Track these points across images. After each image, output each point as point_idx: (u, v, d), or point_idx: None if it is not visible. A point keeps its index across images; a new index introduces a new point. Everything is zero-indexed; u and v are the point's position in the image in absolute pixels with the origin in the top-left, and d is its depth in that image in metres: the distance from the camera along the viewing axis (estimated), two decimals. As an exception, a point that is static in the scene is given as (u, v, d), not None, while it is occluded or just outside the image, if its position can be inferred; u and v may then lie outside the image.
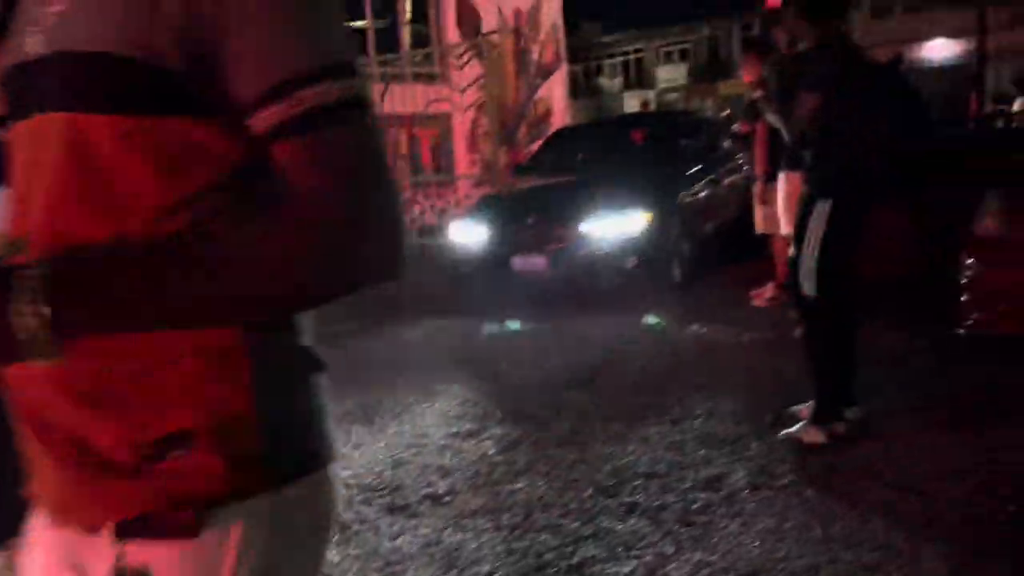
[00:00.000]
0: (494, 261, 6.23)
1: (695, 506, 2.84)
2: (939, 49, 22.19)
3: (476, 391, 4.35)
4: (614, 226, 5.95)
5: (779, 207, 5.17)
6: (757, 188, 5.71)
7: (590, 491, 3.01)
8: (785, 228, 4.88)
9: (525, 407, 3.98)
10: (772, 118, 3.47)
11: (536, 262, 6.04)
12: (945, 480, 2.86)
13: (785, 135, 3.48)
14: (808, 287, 3.24)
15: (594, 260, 5.96)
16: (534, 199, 6.73)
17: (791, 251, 3.37)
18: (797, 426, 3.35)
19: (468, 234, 6.50)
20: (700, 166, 7.20)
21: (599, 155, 7.51)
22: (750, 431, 3.45)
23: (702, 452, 3.29)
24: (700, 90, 35.94)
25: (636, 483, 3.06)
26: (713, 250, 7.15)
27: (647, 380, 4.29)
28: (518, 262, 6.09)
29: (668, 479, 3.07)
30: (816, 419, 3.29)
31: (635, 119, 8.75)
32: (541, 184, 7.03)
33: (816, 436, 3.25)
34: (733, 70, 36.58)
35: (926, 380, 3.91)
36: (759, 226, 5.75)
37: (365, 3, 11.25)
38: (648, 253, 6.00)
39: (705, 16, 36.32)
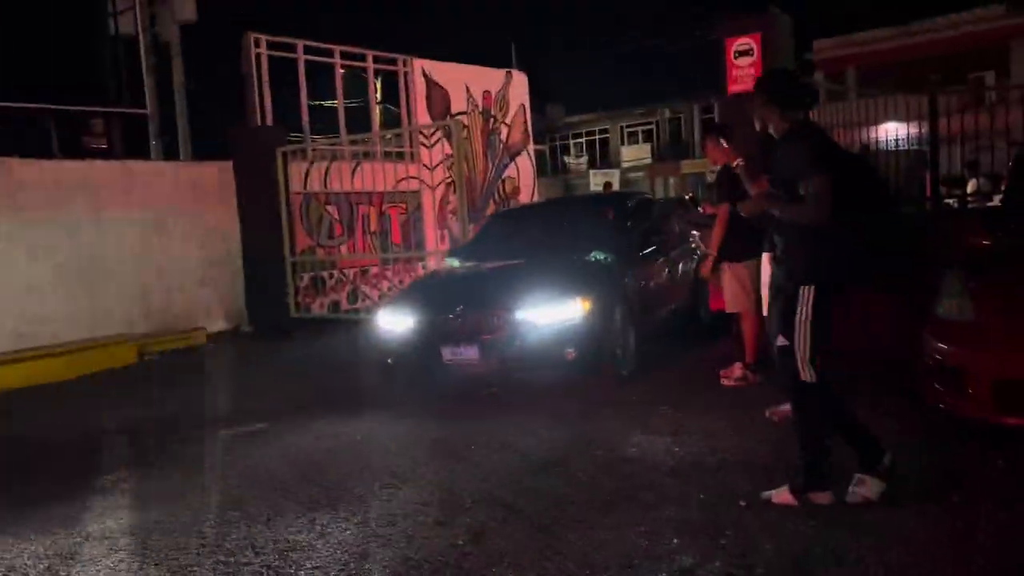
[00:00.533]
0: (423, 351, 5.71)
1: (671, 598, 2.75)
2: (892, 132, 23.04)
3: (442, 477, 4.24)
4: (550, 313, 5.52)
5: (764, 289, 5.18)
6: (723, 268, 5.76)
7: (562, 583, 2.91)
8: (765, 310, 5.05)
9: (493, 492, 3.88)
10: (773, 202, 3.47)
11: (467, 353, 5.53)
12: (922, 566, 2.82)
13: (792, 218, 3.41)
14: (808, 374, 3.31)
15: (529, 351, 5.48)
16: (467, 284, 6.37)
17: (780, 340, 3.41)
18: (775, 491, 3.46)
19: (395, 321, 5.98)
20: (651, 247, 6.92)
21: (540, 238, 7.13)
22: (726, 517, 3.39)
23: (676, 541, 3.21)
24: (663, 168, 36.79)
25: (609, 574, 2.97)
26: (665, 335, 6.95)
27: (613, 466, 4.17)
28: (448, 353, 5.57)
29: (642, 569, 2.99)
30: (805, 487, 3.38)
31: (582, 200, 8.60)
32: (475, 268, 6.69)
33: (823, 498, 3.35)
34: (694, 150, 37.61)
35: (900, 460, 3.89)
36: (729, 306, 5.79)
37: (337, 84, 11.40)
38: (586, 343, 5.53)
39: (665, 99, 37.40)
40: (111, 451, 5.22)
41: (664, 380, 5.93)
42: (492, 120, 13.56)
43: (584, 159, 40.43)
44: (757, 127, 3.55)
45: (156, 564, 3.36)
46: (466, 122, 12.70)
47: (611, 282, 6.00)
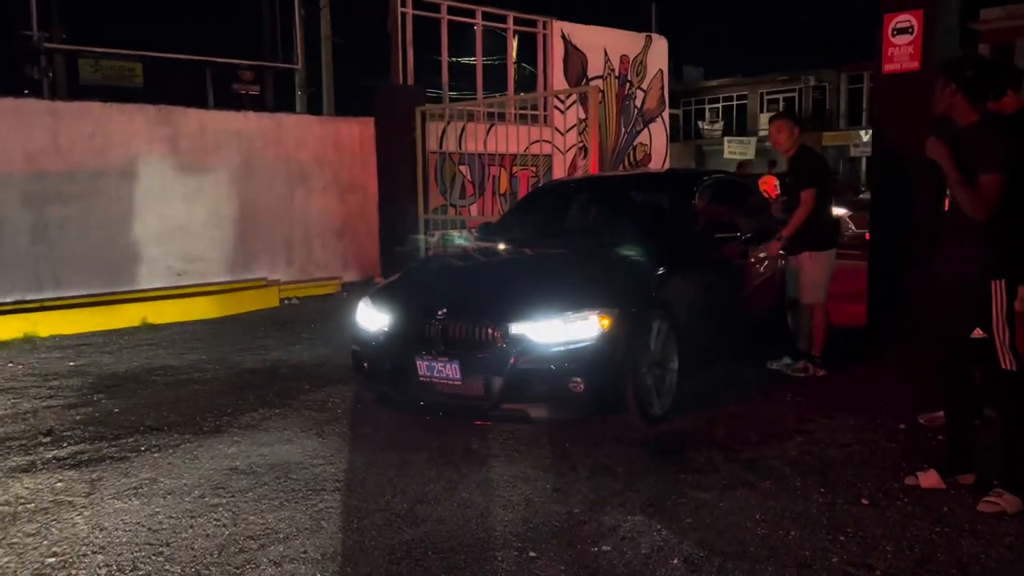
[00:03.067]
0: (396, 361, 4.50)
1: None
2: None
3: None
4: (554, 330, 4.21)
5: (823, 278, 5.52)
6: (799, 257, 5.61)
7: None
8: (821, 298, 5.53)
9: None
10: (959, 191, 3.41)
11: (446, 371, 4.28)
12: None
13: (959, 199, 3.37)
14: (1010, 361, 3.34)
15: (522, 377, 4.18)
16: (463, 278, 5.20)
17: (979, 333, 3.39)
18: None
19: (372, 318, 4.75)
20: (721, 242, 5.51)
21: (576, 223, 6.06)
22: (846, 513, 3.35)
23: (793, 533, 3.21)
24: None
25: (722, 559, 3.00)
26: (740, 353, 5.78)
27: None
28: (424, 367, 4.34)
29: (757, 558, 3.01)
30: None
31: (641, 179, 6.99)
32: (483, 255, 5.56)
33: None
34: (838, 121, 35.82)
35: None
36: (806, 296, 5.62)
37: (476, 44, 11.54)
38: (601, 371, 4.22)
39: (812, 66, 35.71)
40: (256, 390, 5.62)
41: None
42: (628, 85, 13.39)
43: (719, 125, 39.27)
44: (938, 110, 3.48)
45: (295, 502, 3.64)
46: (601, 86, 12.61)
47: (647, 289, 4.71)
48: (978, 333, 3.39)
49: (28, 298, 8.31)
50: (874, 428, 4.44)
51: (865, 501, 3.47)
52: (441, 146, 10.72)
